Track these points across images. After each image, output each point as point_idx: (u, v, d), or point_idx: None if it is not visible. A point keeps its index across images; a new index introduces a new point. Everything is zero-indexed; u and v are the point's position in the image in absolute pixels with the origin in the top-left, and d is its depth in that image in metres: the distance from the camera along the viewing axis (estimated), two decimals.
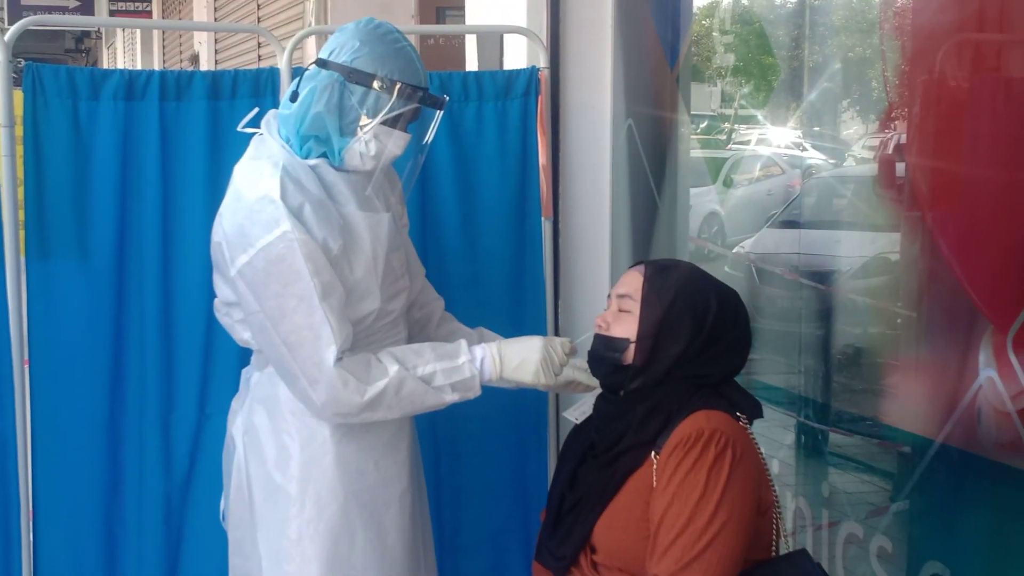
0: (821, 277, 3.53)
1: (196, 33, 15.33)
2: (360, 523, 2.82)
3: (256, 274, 2.64)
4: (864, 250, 3.46)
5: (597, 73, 4.20)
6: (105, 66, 14.02)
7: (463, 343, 2.83)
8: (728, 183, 4.34)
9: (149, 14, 19.44)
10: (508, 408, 3.58)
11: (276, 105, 3.30)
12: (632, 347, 2.57)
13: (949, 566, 2.85)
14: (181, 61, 17.07)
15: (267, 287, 2.64)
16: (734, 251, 4.17)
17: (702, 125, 4.37)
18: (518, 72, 3.72)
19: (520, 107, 3.67)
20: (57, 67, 3.23)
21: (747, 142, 4.15)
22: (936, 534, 2.96)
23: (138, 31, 22.58)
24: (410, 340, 3.06)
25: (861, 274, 3.44)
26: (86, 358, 3.29)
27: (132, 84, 3.27)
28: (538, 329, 3.69)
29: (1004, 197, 2.72)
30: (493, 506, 3.70)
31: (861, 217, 3.50)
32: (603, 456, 2.59)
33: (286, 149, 2.75)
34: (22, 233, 3.20)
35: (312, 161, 2.75)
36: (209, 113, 3.33)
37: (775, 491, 2.58)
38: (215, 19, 13.43)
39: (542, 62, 3.72)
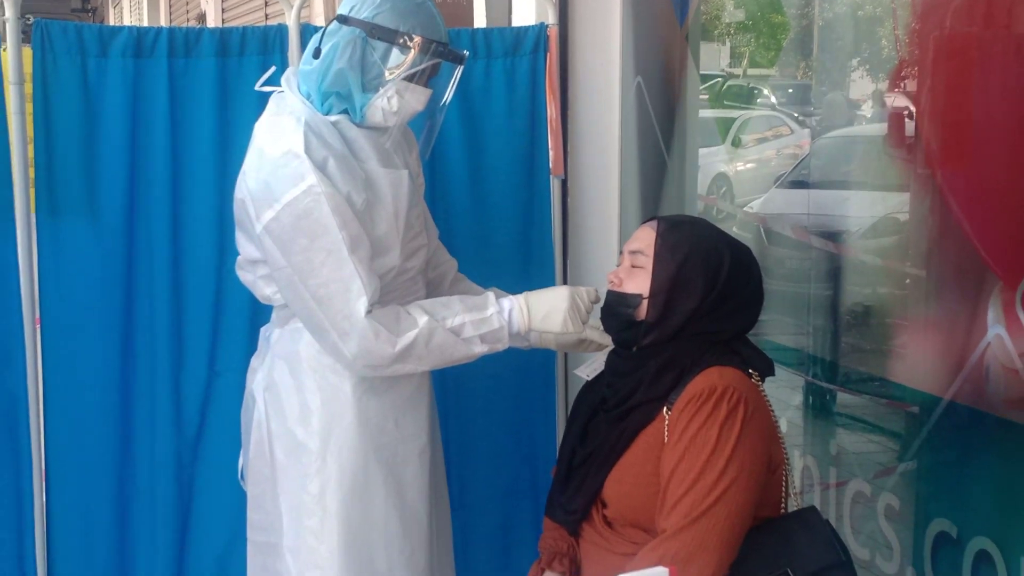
0: (829, 237, 3.52)
1: None
2: (380, 478, 2.84)
3: (283, 229, 2.64)
4: (873, 210, 3.46)
5: (606, 30, 4.18)
6: (111, 24, 13.98)
7: (491, 295, 2.86)
8: (736, 143, 4.33)
9: None
10: (516, 367, 3.59)
11: (284, 62, 3.32)
12: (645, 303, 2.57)
13: (956, 523, 2.85)
14: (188, 20, 17.04)
15: (295, 242, 2.65)
16: (744, 211, 4.16)
17: (714, 84, 4.36)
18: (527, 29, 3.71)
19: (529, 64, 3.66)
20: (66, 24, 3.23)
21: (760, 102, 4.15)
22: (943, 492, 2.96)
23: None
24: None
25: (871, 234, 3.44)
26: (96, 314, 3.31)
27: (141, 41, 3.27)
28: (547, 282, 3.70)
29: (1014, 154, 2.71)
30: (502, 465, 3.73)
31: (871, 176, 3.49)
32: (615, 411, 2.60)
33: (307, 105, 2.75)
34: (33, 191, 3.20)
35: (333, 117, 2.75)
36: (218, 70, 3.33)
37: (785, 449, 2.59)
38: None
39: (551, 19, 3.70)
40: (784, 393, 3.61)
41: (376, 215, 2.75)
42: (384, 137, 2.83)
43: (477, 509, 3.70)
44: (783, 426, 3.56)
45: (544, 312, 2.83)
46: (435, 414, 3.06)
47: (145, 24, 21.08)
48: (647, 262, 2.59)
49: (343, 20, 2.75)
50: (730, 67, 4.24)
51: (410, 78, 2.75)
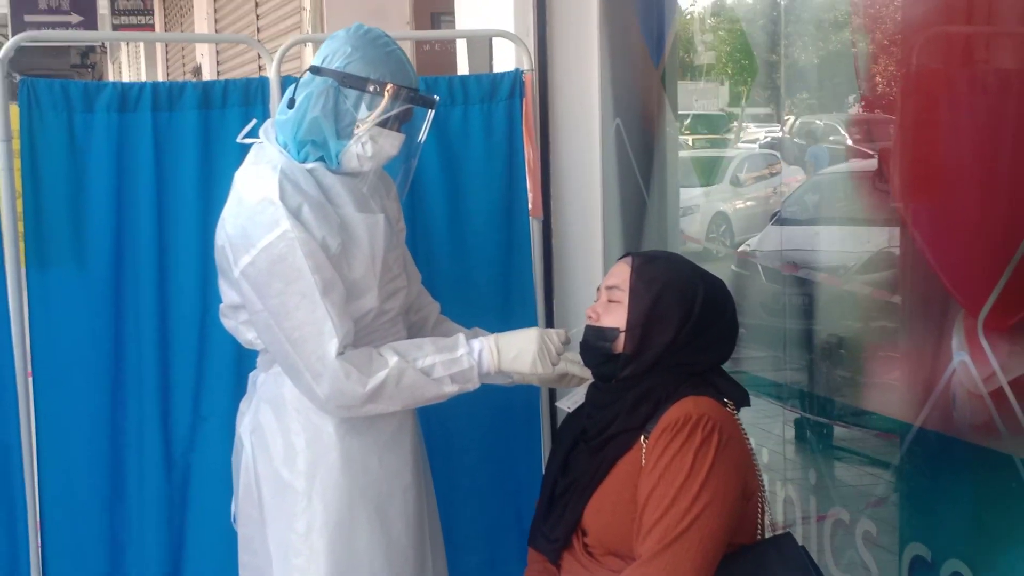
0: (808, 271, 3.60)
1: (198, 45, 15.44)
2: (365, 516, 2.90)
3: (259, 274, 2.73)
4: (848, 244, 3.53)
5: (585, 74, 4.27)
6: (111, 79, 14.08)
7: (461, 336, 2.92)
8: (735, 182, 4.39)
9: (152, 27, 19.55)
10: (499, 404, 3.64)
11: (266, 113, 3.40)
12: (622, 336, 2.65)
13: (930, 547, 2.92)
14: (184, 73, 17.17)
15: (270, 286, 2.73)
16: (739, 249, 4.22)
17: (690, 123, 4.43)
18: (502, 75, 3.80)
19: (505, 109, 3.75)
20: (52, 81, 3.30)
21: (754, 140, 4.21)
22: (917, 516, 3.03)
23: (142, 45, 22.71)
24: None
25: (845, 267, 3.51)
26: (86, 363, 3.36)
27: (125, 96, 3.34)
28: (529, 322, 3.74)
29: (971, 185, 2.80)
30: (487, 501, 3.77)
31: (846, 212, 3.57)
32: (594, 441, 2.67)
33: (284, 154, 2.84)
34: (21, 244, 3.27)
35: (310, 165, 2.84)
36: (200, 122, 3.41)
37: (761, 477, 2.66)
38: (215, 31, 13.53)
39: (526, 65, 3.79)
40: (768, 424, 3.67)
41: (353, 258, 2.82)
42: (360, 182, 2.92)
43: (464, 545, 3.73)
44: (764, 456, 3.63)
45: (514, 353, 2.90)
46: (421, 451, 3.13)
47: (143, 77, 21.28)
48: (623, 297, 2.67)
49: (316, 71, 2.85)
50: (729, 106, 4.30)
51: (383, 124, 2.83)
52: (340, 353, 2.74)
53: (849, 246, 3.51)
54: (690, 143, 4.49)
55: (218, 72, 13.57)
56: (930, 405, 2.90)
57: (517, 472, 3.80)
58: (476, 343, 2.90)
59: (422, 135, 2.95)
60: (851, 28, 3.34)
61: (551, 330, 2.96)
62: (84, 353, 3.36)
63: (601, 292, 2.75)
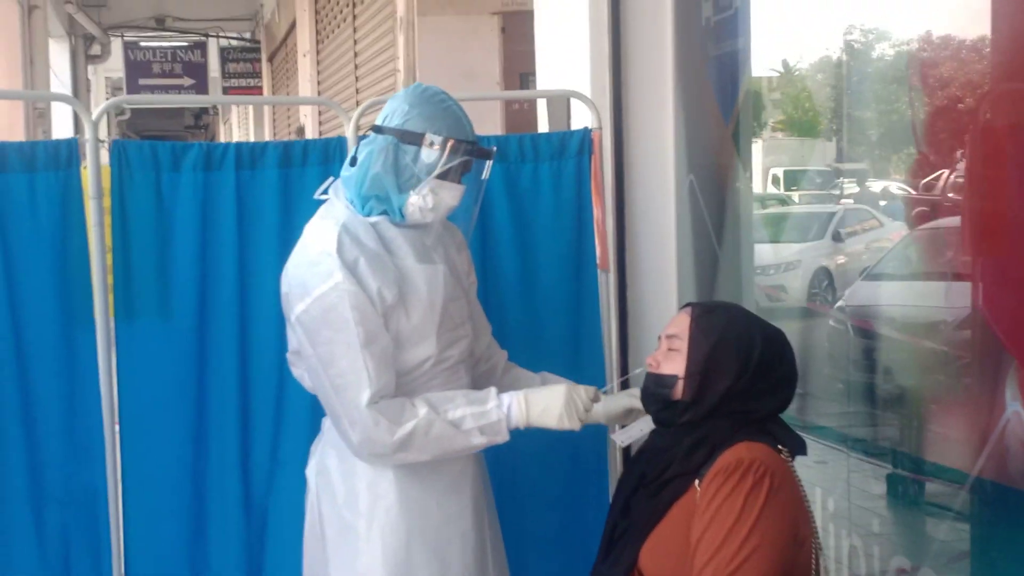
0: (883, 326, 3.65)
1: (302, 107, 15.81)
2: (423, 558, 3.01)
3: (312, 321, 2.88)
4: (926, 299, 3.57)
5: (659, 132, 4.36)
6: (222, 140, 14.45)
7: (493, 390, 3.01)
8: (837, 237, 4.44)
9: (260, 90, 20.03)
10: (568, 448, 3.74)
11: None
12: (681, 383, 2.73)
13: None
14: (289, 133, 17.58)
15: (320, 333, 2.89)
16: (836, 306, 4.27)
17: (788, 178, 4.49)
18: (572, 133, 3.91)
19: (574, 166, 3.85)
20: (141, 143, 3.47)
21: (850, 196, 4.26)
22: (974, 567, 3.05)
23: (251, 107, 23.27)
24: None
25: (922, 322, 3.55)
26: (170, 411, 3.50)
27: (210, 155, 3.51)
28: (598, 377, 3.83)
29: (1017, 236, 2.84)
30: (554, 543, 3.82)
31: (927, 268, 3.61)
32: (652, 485, 2.74)
33: (350, 209, 2.99)
34: (111, 296, 3.43)
35: (374, 219, 2.98)
36: (280, 180, 3.56)
37: (814, 524, 2.70)
38: (318, 93, 13.86)
39: (595, 123, 3.88)
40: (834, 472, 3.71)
41: (411, 307, 2.96)
42: (423, 234, 3.06)
43: None
44: (831, 505, 3.67)
45: (541, 408, 2.99)
46: (484, 496, 3.21)
47: (251, 138, 21.77)
48: (683, 345, 2.75)
49: (378, 130, 2.99)
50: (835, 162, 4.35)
51: (443, 176, 2.96)
52: (372, 402, 2.88)
53: (926, 301, 3.56)
54: (796, 199, 4.56)
55: (319, 132, 13.89)
56: (986, 454, 2.93)
57: (585, 515, 3.84)
58: (506, 397, 2.99)
59: (482, 186, 3.11)
60: (909, 87, 3.40)
61: (580, 387, 3.04)
62: (168, 401, 3.50)
63: (662, 341, 2.83)
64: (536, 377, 3.33)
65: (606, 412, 3.20)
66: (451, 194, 3.00)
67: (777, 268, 4.96)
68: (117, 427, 3.47)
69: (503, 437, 2.99)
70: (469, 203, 3.12)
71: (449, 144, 2.94)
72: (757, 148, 4.46)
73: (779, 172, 4.84)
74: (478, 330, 3.29)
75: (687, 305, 2.86)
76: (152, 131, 27.41)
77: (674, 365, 2.76)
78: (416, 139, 2.94)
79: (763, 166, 4.65)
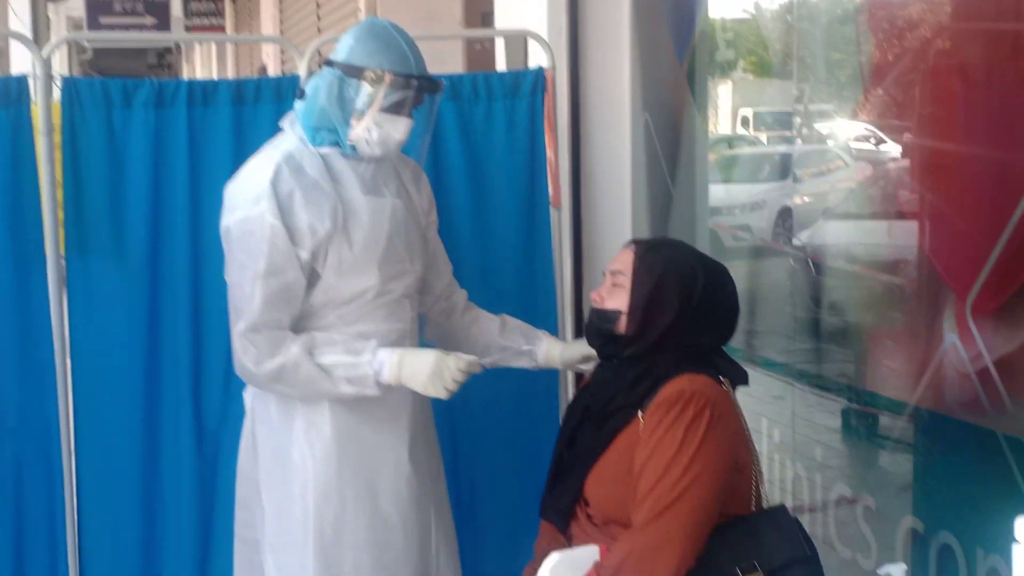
0: (836, 263, 3.71)
1: (264, 46, 15.74)
2: (353, 486, 3.07)
3: (231, 240, 3.00)
4: (877, 238, 3.63)
5: (615, 71, 4.39)
6: (185, 78, 14.34)
7: (372, 343, 3.01)
8: (795, 177, 4.48)
9: (223, 29, 19.86)
10: (521, 387, 3.79)
11: None
12: (624, 318, 2.77)
13: (923, 520, 3.02)
14: (252, 72, 17.48)
15: (234, 253, 3.00)
16: (794, 243, 4.32)
17: (755, 120, 4.52)
18: (525, 72, 3.93)
19: (527, 105, 3.86)
20: (92, 80, 3.48)
21: (816, 136, 4.29)
22: (911, 492, 3.13)
23: (214, 45, 23.07)
24: (439, 329, 3.37)
25: (863, 256, 3.61)
26: (122, 346, 3.52)
27: (162, 93, 3.50)
28: (550, 313, 3.89)
29: (959, 175, 2.90)
30: (507, 477, 3.88)
31: (883, 207, 3.67)
32: (596, 417, 2.79)
33: (302, 140, 3.03)
34: (62, 232, 3.45)
35: (324, 150, 3.03)
36: (233, 117, 3.56)
37: (755, 452, 2.77)
38: (280, 32, 13.78)
39: (547, 63, 3.91)
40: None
41: (353, 237, 3.00)
42: (376, 167, 3.10)
43: (486, 521, 3.88)
44: (776, 436, 3.75)
45: (411, 371, 2.98)
46: (423, 431, 3.26)
47: (215, 76, 21.62)
48: (626, 281, 2.79)
49: (328, 64, 3.03)
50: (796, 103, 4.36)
51: (389, 110, 2.98)
52: (252, 332, 2.95)
53: (881, 239, 3.61)
54: (764, 140, 4.60)
55: (282, 71, 13.83)
56: (924, 385, 3.00)
57: (537, 448, 3.88)
58: (383, 353, 3.00)
59: (430, 123, 3.14)
60: (857, 27, 3.44)
61: (453, 357, 3.00)
62: (120, 337, 3.52)
63: (606, 276, 2.87)
64: (496, 320, 3.37)
65: (563, 359, 3.27)
66: (396, 127, 3.01)
67: (743, 208, 5.01)
68: (69, 361, 3.50)
69: (371, 391, 3.00)
70: (418, 137, 3.14)
71: (388, 78, 2.95)
72: (726, 89, 4.49)
73: (748, 113, 4.87)
74: (439, 268, 3.35)
75: (631, 242, 2.90)
76: (115, 71, 27.12)
77: (618, 300, 2.80)
78: (357, 72, 2.97)
79: (732, 107, 4.68)
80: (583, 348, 3.18)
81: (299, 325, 3.03)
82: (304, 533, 3.05)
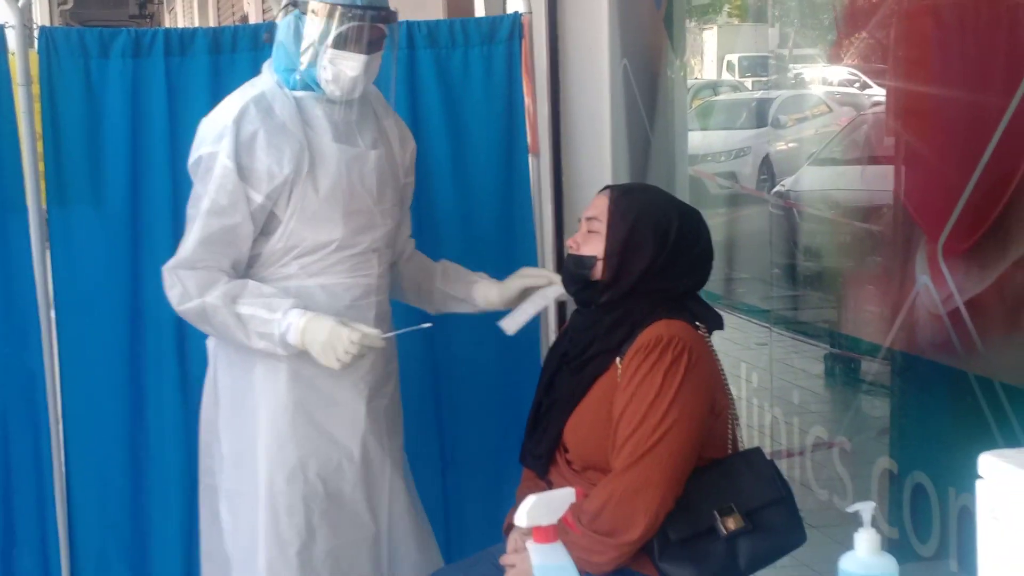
0: (815, 209, 3.73)
1: None
2: (306, 437, 3.07)
3: (194, 173, 3.01)
4: (858, 182, 3.66)
5: (593, 15, 4.38)
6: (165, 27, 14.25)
7: (288, 303, 2.95)
8: (777, 123, 4.49)
9: None
10: (501, 337, 3.79)
11: None
12: (600, 263, 2.78)
13: (897, 460, 3.06)
14: (233, 20, 17.39)
15: (194, 187, 3.00)
16: (775, 190, 4.34)
17: (739, 65, 4.52)
18: (502, 18, 3.91)
19: (505, 50, 3.85)
20: (69, 29, 3.47)
21: (800, 82, 4.30)
22: (885, 434, 3.17)
23: None
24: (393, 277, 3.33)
25: (852, 204, 3.64)
26: (105, 294, 3.54)
27: (139, 42, 3.49)
28: (530, 261, 3.88)
29: (932, 116, 2.92)
30: (490, 423, 3.90)
31: (866, 151, 3.69)
32: (574, 363, 2.82)
33: (278, 83, 3.02)
34: (43, 183, 3.45)
35: (299, 93, 3.01)
36: (211, 66, 3.55)
37: (731, 396, 2.81)
38: None
39: (524, 7, 3.89)
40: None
41: (319, 184, 2.99)
42: (350, 112, 3.05)
43: (469, 468, 3.91)
44: (754, 378, 3.79)
45: (311, 338, 2.92)
46: (382, 382, 3.22)
47: (196, 25, 21.50)
48: (601, 227, 2.80)
49: (292, 3, 3.00)
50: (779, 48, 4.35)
51: (340, 44, 2.93)
52: (182, 267, 2.96)
53: (860, 184, 3.64)
54: (748, 85, 4.61)
55: (263, 18, 13.77)
56: (897, 327, 3.04)
57: (520, 398, 3.91)
58: (294, 314, 2.94)
59: (392, 58, 3.12)
60: None
61: (349, 329, 2.93)
62: (103, 285, 3.54)
63: (582, 223, 2.88)
64: (436, 267, 3.38)
65: (502, 298, 3.27)
66: (350, 64, 2.96)
67: (728, 155, 5.03)
68: (53, 313, 3.52)
69: (280, 351, 2.96)
70: (382, 75, 3.11)
71: (335, 10, 2.91)
72: (711, 35, 4.51)
73: (733, 59, 4.89)
74: (403, 225, 3.33)
75: (606, 188, 2.91)
76: (95, 20, 26.93)
77: (593, 246, 2.81)
78: (305, 7, 2.94)
79: (717, 53, 4.70)
80: (521, 281, 3.23)
81: (258, 272, 3.03)
82: (257, 481, 3.06)
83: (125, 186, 3.52)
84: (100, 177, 3.52)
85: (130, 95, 3.51)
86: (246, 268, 3.05)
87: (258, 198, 2.95)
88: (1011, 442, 2.53)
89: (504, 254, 3.77)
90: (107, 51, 3.48)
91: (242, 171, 2.93)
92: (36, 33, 3.41)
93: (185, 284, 2.96)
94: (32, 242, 3.44)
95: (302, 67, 2.96)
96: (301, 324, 2.92)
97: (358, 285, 3.10)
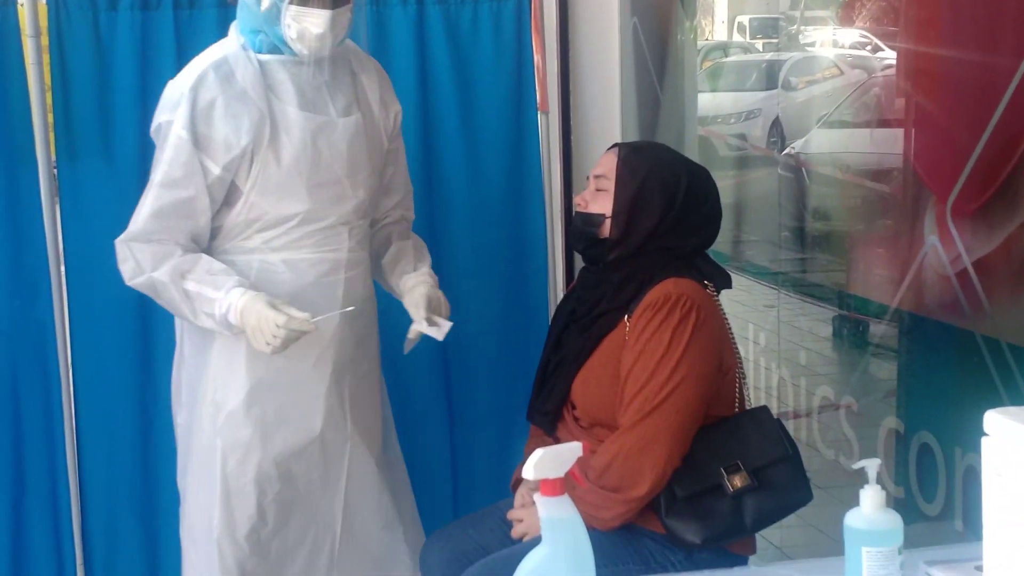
0: (827, 170, 3.72)
1: None
2: (259, 415, 2.97)
3: (155, 139, 2.90)
4: (868, 144, 3.65)
5: None
6: None
7: (232, 281, 2.83)
8: (787, 86, 4.47)
9: None
10: (510, 287, 3.86)
11: None
12: (608, 222, 2.77)
13: (904, 420, 3.07)
14: None
15: (156, 153, 2.89)
16: (784, 152, 4.32)
17: (751, 26, 4.49)
18: None
19: (514, 7, 3.84)
20: None
21: (811, 43, 4.27)
22: (891, 394, 3.18)
23: None
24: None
25: (862, 166, 3.63)
26: (114, 249, 3.55)
27: None
28: (538, 219, 3.90)
29: (941, 77, 2.91)
30: (497, 381, 3.91)
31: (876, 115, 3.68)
32: (582, 320, 2.81)
33: (243, 46, 2.88)
34: (52, 136, 3.46)
35: (265, 56, 2.88)
36: (220, 19, 3.52)
37: (738, 354, 2.81)
38: None
39: None
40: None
41: (282, 154, 2.85)
42: (319, 75, 2.90)
43: (477, 425, 3.92)
44: (762, 340, 3.79)
45: (245, 319, 2.79)
46: (351, 366, 3.09)
47: None
48: (610, 185, 2.79)
49: None
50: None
51: (302, 1, 2.76)
52: (134, 240, 2.86)
53: (870, 147, 3.63)
54: (759, 47, 4.59)
55: None
56: (905, 287, 3.04)
57: (527, 356, 3.91)
58: (235, 294, 2.81)
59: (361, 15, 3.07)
60: None
61: (275, 313, 2.77)
62: (112, 237, 3.53)
63: (590, 180, 2.87)
64: (392, 248, 3.19)
65: (411, 303, 3.04)
66: (314, 20, 2.79)
67: (738, 116, 5.01)
68: (63, 267, 3.53)
69: (223, 330, 2.86)
70: (353, 31, 2.99)
71: None
72: None
73: (744, 20, 4.87)
74: (389, 188, 3.19)
75: (614, 145, 2.89)
76: None
77: (601, 204, 2.80)
78: None
79: (728, 14, 4.68)
80: (415, 312, 3.00)
81: (221, 244, 2.93)
82: (212, 459, 2.99)
83: (134, 140, 3.49)
84: (110, 131, 3.52)
85: (139, 48, 3.51)
86: (210, 240, 2.94)
87: (215, 169, 2.83)
88: (1017, 401, 2.52)
89: (513, 211, 3.79)
90: (116, 3, 3.48)
91: (198, 141, 2.81)
92: None
93: (137, 257, 2.86)
94: (42, 195, 3.45)
95: (265, 27, 2.81)
96: (240, 305, 2.79)
97: (325, 260, 2.98)
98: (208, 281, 2.83)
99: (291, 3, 2.76)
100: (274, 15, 2.79)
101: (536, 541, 1.80)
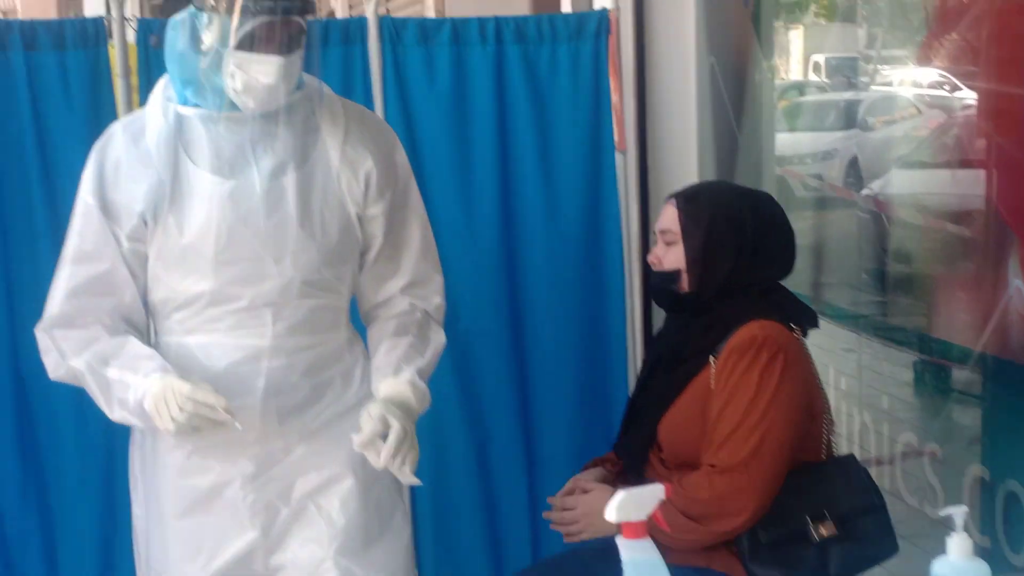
0: (905, 212, 3.69)
1: None
2: (162, 527, 2.65)
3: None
4: (949, 185, 3.62)
5: (680, 12, 4.35)
6: None
7: (152, 364, 2.45)
8: (864, 126, 4.45)
9: None
10: (589, 335, 3.84)
11: (365, 53, 3.56)
12: (684, 276, 2.75)
13: (989, 468, 3.02)
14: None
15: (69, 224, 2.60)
16: (863, 193, 4.30)
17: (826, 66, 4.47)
18: (590, 14, 3.90)
19: (592, 47, 3.82)
20: (164, 21, 3.48)
21: (888, 83, 4.26)
22: (976, 440, 3.13)
23: None
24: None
25: (942, 208, 3.60)
26: None
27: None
28: (615, 259, 3.88)
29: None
30: (576, 426, 3.87)
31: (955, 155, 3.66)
32: (668, 363, 2.80)
33: (168, 98, 2.54)
34: None
35: (188, 110, 2.51)
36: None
37: (826, 400, 2.77)
38: None
39: (611, 3, 3.86)
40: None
41: (185, 223, 2.49)
42: (258, 132, 2.51)
43: (554, 466, 3.78)
44: (843, 384, 3.76)
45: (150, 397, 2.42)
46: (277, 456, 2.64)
47: None
48: (676, 238, 2.76)
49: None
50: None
51: (246, 45, 2.39)
52: (54, 326, 2.54)
53: (950, 188, 3.60)
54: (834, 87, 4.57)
55: (350, 15, 13.75)
56: (989, 331, 2.99)
57: (605, 396, 3.90)
58: (155, 378, 2.41)
59: (315, 61, 2.57)
60: None
61: (178, 382, 2.38)
62: None
63: (658, 236, 2.84)
64: (384, 343, 2.70)
65: (364, 415, 2.53)
66: (263, 69, 2.40)
67: (814, 157, 4.99)
68: None
69: (135, 420, 2.49)
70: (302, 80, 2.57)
71: (234, 3, 2.36)
72: (797, 34, 4.46)
73: (820, 59, 4.84)
74: (381, 274, 2.73)
75: (671, 196, 2.85)
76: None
77: (674, 259, 2.77)
78: (202, 2, 2.41)
79: (803, 53, 4.66)
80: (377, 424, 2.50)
81: (155, 325, 2.61)
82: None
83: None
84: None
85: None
86: (149, 318, 2.62)
87: (124, 239, 2.50)
88: None
89: (590, 252, 3.77)
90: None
91: (106, 208, 2.49)
92: (134, 25, 3.43)
93: (60, 347, 2.52)
94: None
95: (203, 77, 2.43)
96: (155, 389, 2.40)
97: (240, 347, 2.55)
98: (130, 366, 2.46)
99: (236, 48, 2.39)
100: (214, 63, 2.41)
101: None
